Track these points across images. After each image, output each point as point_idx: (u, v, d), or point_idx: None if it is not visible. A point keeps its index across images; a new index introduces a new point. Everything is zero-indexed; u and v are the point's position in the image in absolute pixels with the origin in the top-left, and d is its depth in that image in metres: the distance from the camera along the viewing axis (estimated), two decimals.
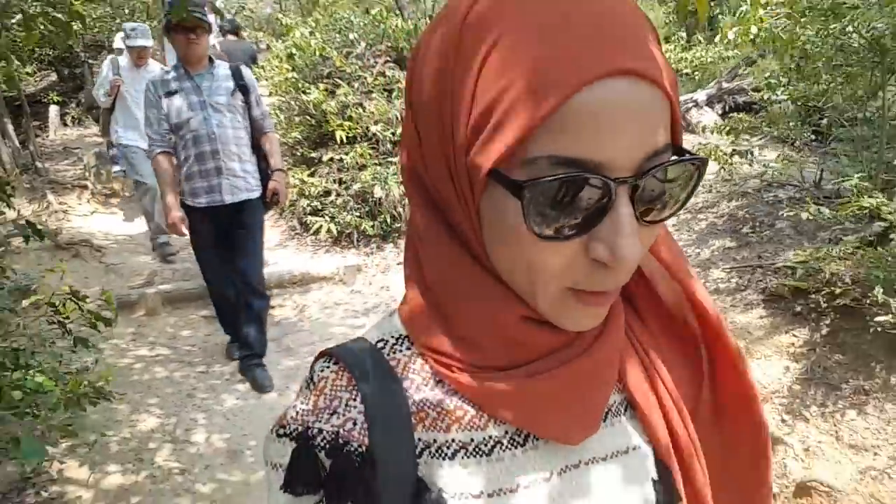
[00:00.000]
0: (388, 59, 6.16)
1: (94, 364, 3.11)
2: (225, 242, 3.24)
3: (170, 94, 3.01)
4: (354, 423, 0.48)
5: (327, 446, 0.47)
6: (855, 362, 2.57)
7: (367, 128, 5.52)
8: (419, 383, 0.51)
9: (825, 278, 2.71)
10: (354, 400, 0.49)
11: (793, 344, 2.78)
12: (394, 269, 5.01)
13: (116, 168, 6.14)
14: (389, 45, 6.29)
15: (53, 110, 8.59)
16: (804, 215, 2.84)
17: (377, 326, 0.56)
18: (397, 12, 6.91)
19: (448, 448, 0.49)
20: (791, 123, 4.03)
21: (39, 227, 2.13)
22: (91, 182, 6.71)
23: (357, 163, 5.45)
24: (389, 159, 5.50)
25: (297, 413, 0.49)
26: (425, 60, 0.46)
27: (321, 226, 5.29)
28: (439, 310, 0.50)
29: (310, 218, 5.42)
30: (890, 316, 2.28)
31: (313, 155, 5.75)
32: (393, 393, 0.49)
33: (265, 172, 3.24)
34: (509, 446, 0.50)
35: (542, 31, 0.40)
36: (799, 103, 3.73)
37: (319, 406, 0.49)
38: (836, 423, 2.42)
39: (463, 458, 0.49)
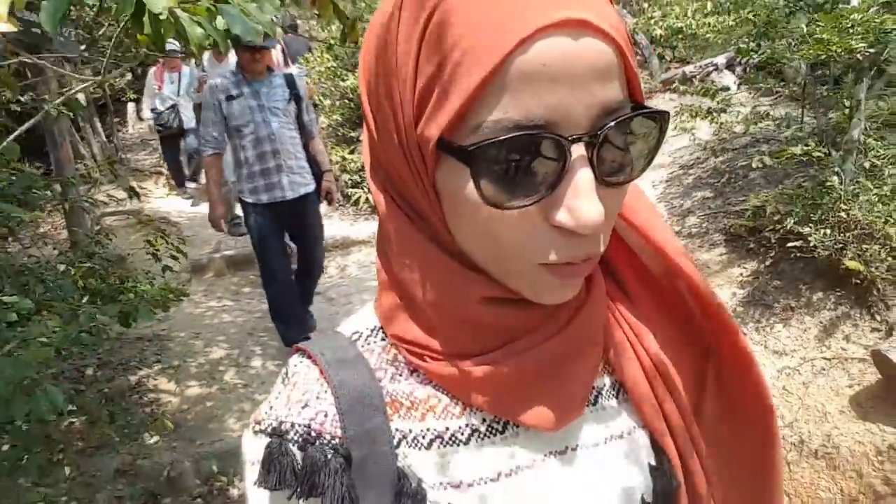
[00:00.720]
0: None
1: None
2: (282, 234, 3.45)
3: (230, 98, 3.18)
4: (326, 415, 0.47)
5: (300, 439, 0.46)
6: (788, 286, 3.01)
7: None
8: (393, 373, 0.50)
9: (772, 217, 3.16)
10: (325, 392, 0.48)
11: (741, 274, 3.23)
12: None
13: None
14: None
15: (131, 107, 9.61)
16: (754, 163, 3.27)
17: (352, 319, 0.55)
18: None
19: (423, 437, 0.48)
20: (800, 81, 4.29)
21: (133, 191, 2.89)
22: (164, 167, 7.63)
23: None
24: None
25: (271, 408, 0.48)
26: (370, 45, 0.45)
27: (360, 196, 5.97)
28: (406, 300, 0.49)
29: (350, 190, 6.12)
30: (801, 241, 2.72)
31: (352, 134, 6.43)
32: (365, 384, 0.48)
33: (315, 173, 3.47)
34: (488, 434, 0.49)
35: None
36: (770, 63, 4.06)
37: (292, 400, 0.48)
38: (765, 335, 2.89)
39: (439, 447, 0.48)
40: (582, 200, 0.38)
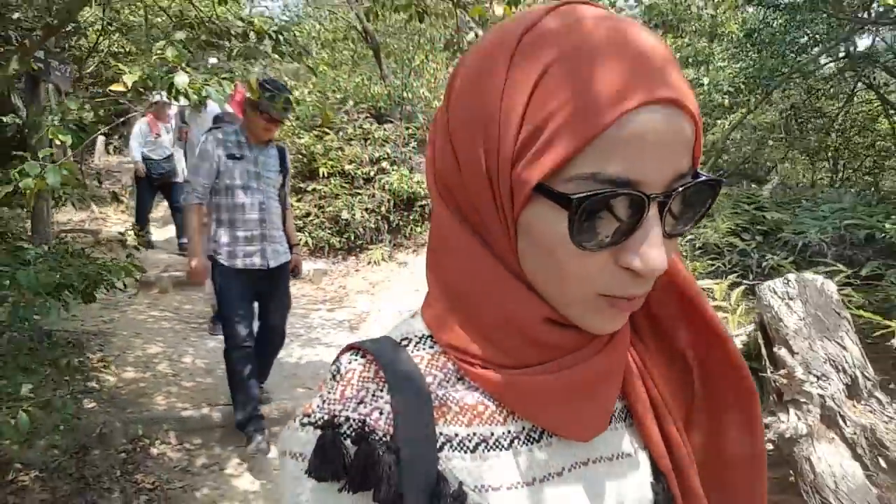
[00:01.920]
0: (369, 115, 7.74)
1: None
2: (252, 300, 3.38)
3: (232, 157, 3.15)
4: (381, 413, 0.48)
5: (353, 434, 0.48)
6: None
7: (343, 167, 7.03)
8: (441, 379, 0.52)
9: None
10: (381, 391, 0.49)
11: None
12: (352, 275, 6.41)
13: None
14: (371, 104, 7.88)
15: (100, 140, 10.25)
16: None
17: (399, 327, 0.57)
18: (378, 80, 8.52)
19: (469, 441, 0.50)
20: None
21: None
22: (126, 197, 8.23)
23: (333, 192, 6.92)
24: (358, 191, 6.96)
25: (324, 402, 0.49)
26: (472, 78, 0.48)
27: (301, 239, 6.72)
28: (463, 310, 0.52)
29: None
30: None
31: (301, 185, 7.24)
32: (417, 387, 0.50)
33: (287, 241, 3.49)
34: (526, 441, 0.52)
35: (593, 59, 0.43)
36: None
37: (347, 396, 0.49)
38: None
39: (483, 451, 0.50)
40: (653, 249, 0.44)
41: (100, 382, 3.80)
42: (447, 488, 0.48)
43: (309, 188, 7.05)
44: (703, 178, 0.47)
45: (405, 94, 8.02)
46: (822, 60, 5.91)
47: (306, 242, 6.68)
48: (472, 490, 0.49)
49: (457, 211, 0.51)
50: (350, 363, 0.51)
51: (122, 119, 5.49)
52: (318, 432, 0.48)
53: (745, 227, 4.09)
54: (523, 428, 0.52)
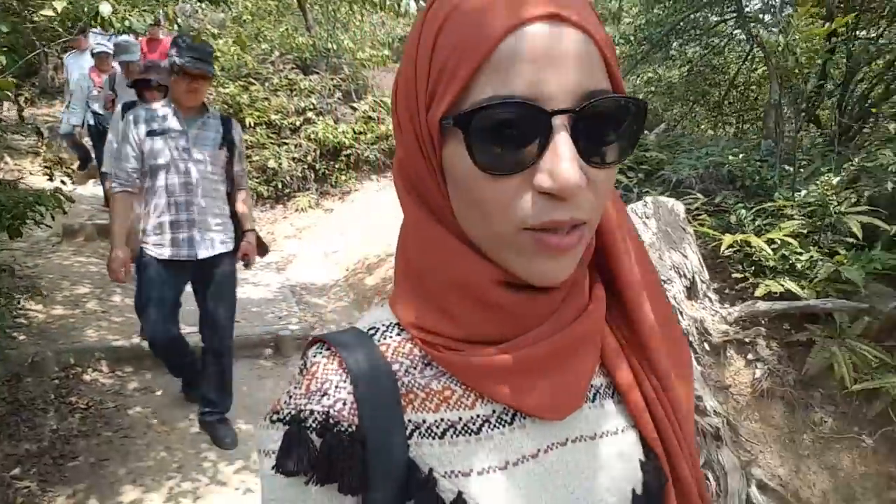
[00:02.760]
0: (294, 65, 7.79)
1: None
2: (177, 296, 2.95)
3: (152, 133, 2.72)
4: (344, 404, 0.48)
5: (318, 426, 0.48)
6: None
7: (269, 117, 7.11)
8: (408, 366, 0.52)
9: None
10: (344, 382, 0.49)
11: None
12: (280, 222, 6.60)
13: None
14: (297, 55, 7.91)
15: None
16: None
17: (368, 316, 0.57)
18: (303, 31, 8.53)
19: (437, 427, 0.50)
20: None
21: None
22: (43, 150, 8.01)
23: (260, 142, 7.01)
24: (284, 140, 7.09)
25: (290, 397, 0.50)
26: (404, 52, 0.51)
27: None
28: (421, 286, 0.52)
29: None
30: None
31: None
32: (382, 376, 0.50)
33: (236, 228, 2.99)
34: (497, 424, 0.51)
35: (476, 2, 0.44)
36: None
37: (311, 389, 0.49)
38: None
39: (452, 436, 0.50)
40: (561, 164, 0.42)
41: (28, 319, 3.93)
42: (418, 475, 0.48)
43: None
44: (613, 95, 0.45)
45: (330, 46, 8.08)
46: (714, 18, 6.39)
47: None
48: (443, 476, 0.48)
49: (409, 184, 0.52)
50: (315, 356, 0.52)
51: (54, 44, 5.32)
52: (286, 428, 0.48)
53: (630, 166, 4.57)
54: (493, 411, 0.51)
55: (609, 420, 0.56)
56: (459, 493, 0.48)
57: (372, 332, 0.54)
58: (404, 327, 0.54)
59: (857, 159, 3.41)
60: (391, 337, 0.54)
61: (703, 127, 9.52)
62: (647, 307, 0.56)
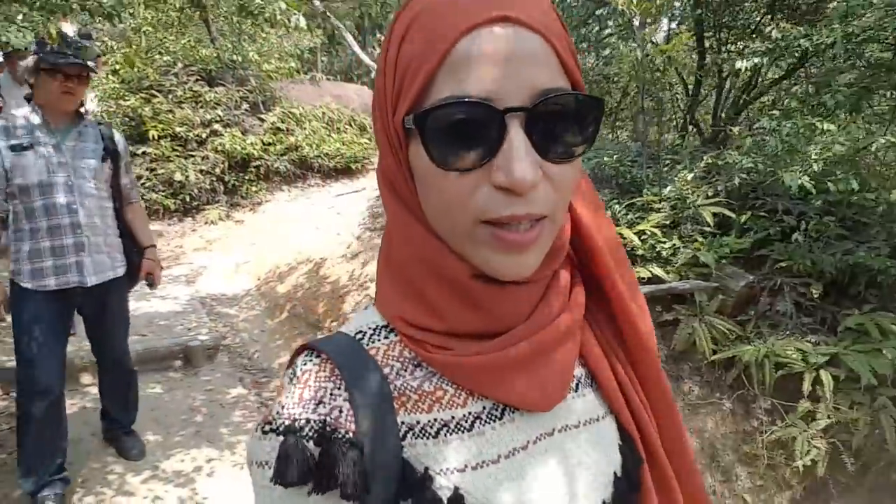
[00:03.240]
0: (199, 77, 7.69)
1: None
2: (65, 333, 2.55)
3: (19, 148, 2.31)
4: (340, 411, 0.48)
5: (315, 435, 0.47)
6: None
7: (174, 129, 7.00)
8: (398, 369, 0.52)
9: None
10: (339, 389, 0.49)
11: None
12: (189, 235, 6.52)
13: None
14: (201, 66, 7.82)
15: None
16: None
17: (354, 320, 0.57)
18: (207, 43, 8.44)
19: (431, 427, 0.50)
20: None
21: None
22: None
23: (165, 155, 6.89)
24: (191, 153, 7.00)
25: (283, 408, 0.49)
26: (376, 73, 0.52)
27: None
28: (402, 277, 0.53)
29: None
30: None
31: (131, 148, 7.09)
32: (374, 380, 0.50)
33: (129, 246, 2.66)
34: (488, 420, 0.52)
35: (436, 6, 0.47)
36: None
37: (305, 398, 0.49)
38: None
39: (445, 435, 0.51)
40: (516, 162, 0.43)
41: None
42: (413, 474, 0.49)
43: (139, 151, 6.96)
44: (567, 92, 0.46)
45: (236, 58, 8.04)
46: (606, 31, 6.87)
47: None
48: (438, 474, 0.49)
49: (387, 182, 0.53)
50: (305, 364, 0.51)
51: None
52: (281, 438, 0.47)
53: None
54: (484, 407, 0.52)
55: (590, 408, 0.58)
56: (456, 489, 0.49)
57: (359, 335, 0.54)
58: (389, 321, 0.54)
59: (707, 157, 3.85)
60: (379, 340, 0.54)
61: (603, 132, 10.12)
62: (630, 310, 0.58)
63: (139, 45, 8.08)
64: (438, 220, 0.49)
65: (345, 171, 7.74)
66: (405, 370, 0.53)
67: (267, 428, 0.49)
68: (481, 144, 0.44)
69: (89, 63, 2.38)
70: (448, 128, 0.44)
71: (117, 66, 7.65)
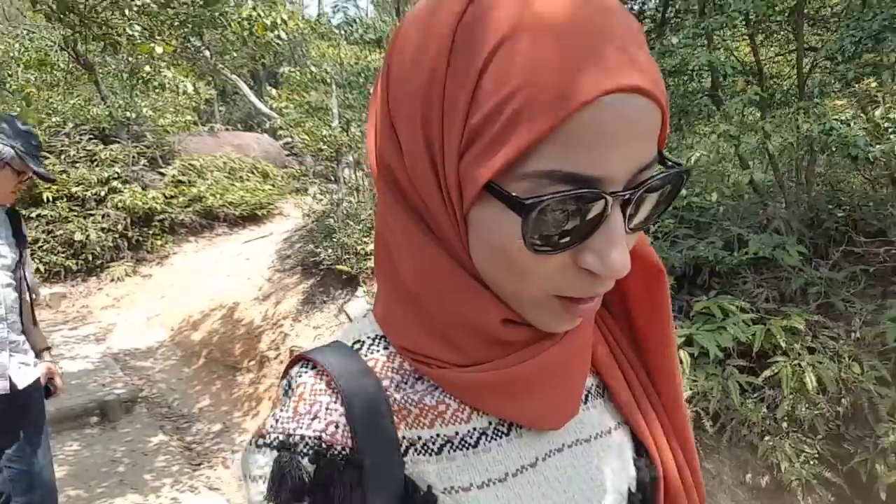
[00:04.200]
0: (92, 136, 7.61)
1: None
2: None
3: None
4: (337, 427, 0.45)
5: (310, 452, 0.44)
6: (328, 289, 4.76)
7: (70, 189, 6.87)
8: (399, 381, 0.49)
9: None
10: (335, 402, 0.46)
11: (307, 286, 4.90)
12: (94, 294, 6.39)
13: None
14: (93, 125, 7.73)
15: None
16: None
17: (351, 328, 0.53)
18: (98, 101, 8.35)
19: (433, 443, 0.47)
20: None
21: None
22: None
23: (62, 216, 6.74)
24: (90, 212, 6.89)
25: (277, 421, 0.46)
26: (408, 60, 0.42)
27: (38, 280, 6.45)
28: (418, 311, 0.48)
29: None
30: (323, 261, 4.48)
31: (24, 212, 6.89)
32: (373, 394, 0.47)
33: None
34: (494, 436, 0.49)
35: (548, 38, 0.37)
36: None
37: (300, 412, 0.46)
38: (309, 318, 4.52)
39: (449, 451, 0.48)
40: (614, 250, 0.40)
41: None
42: (416, 493, 0.46)
43: (34, 214, 6.77)
44: (666, 172, 0.42)
45: (129, 114, 8.00)
46: None
47: (38, 269, 6.44)
48: (442, 492, 0.47)
49: (402, 198, 0.46)
50: (300, 376, 0.48)
51: None
52: (275, 454, 0.45)
53: None
54: (490, 423, 0.49)
55: (601, 420, 0.55)
56: None
57: (357, 346, 0.51)
58: (396, 350, 0.50)
59: None
60: (378, 351, 0.50)
61: None
62: (654, 320, 0.55)
63: (23, 107, 7.86)
64: (500, 281, 0.44)
65: (251, 217, 7.83)
66: (405, 383, 0.49)
67: (261, 442, 0.46)
68: (577, 228, 0.40)
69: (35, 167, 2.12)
70: (553, 212, 0.39)
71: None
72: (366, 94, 5.61)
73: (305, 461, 0.45)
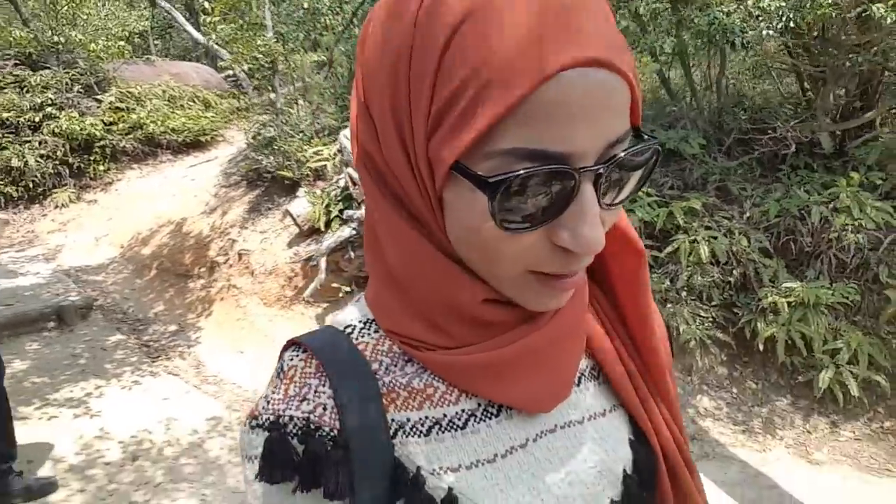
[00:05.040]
0: (18, 61, 7.33)
1: None
2: None
3: None
4: (325, 409, 0.46)
5: (299, 432, 0.46)
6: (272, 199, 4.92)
7: (1, 115, 6.69)
8: (388, 364, 0.50)
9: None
10: (323, 385, 0.47)
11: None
12: (39, 220, 6.38)
13: None
14: (17, 50, 7.44)
15: None
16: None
17: (344, 312, 0.54)
18: (19, 24, 7.97)
19: (422, 425, 0.48)
20: None
21: None
22: None
23: None
24: (26, 139, 6.74)
25: (269, 403, 0.47)
26: (378, 39, 0.42)
27: None
28: (403, 295, 0.49)
29: None
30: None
31: None
32: (362, 376, 0.48)
33: None
34: (483, 418, 0.49)
35: (507, 14, 0.36)
36: None
37: (290, 394, 0.47)
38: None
39: (437, 433, 0.48)
40: (587, 227, 0.39)
41: None
42: (405, 474, 0.47)
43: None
44: (637, 147, 0.41)
45: (58, 39, 7.70)
46: None
47: None
48: (431, 473, 0.47)
49: (382, 183, 0.46)
50: (291, 360, 0.49)
51: None
52: (266, 434, 0.46)
53: None
54: (479, 404, 0.49)
55: (595, 402, 0.55)
56: (450, 490, 0.47)
57: (349, 329, 0.52)
58: (383, 331, 0.51)
59: None
60: (369, 335, 0.51)
61: None
62: (637, 299, 0.55)
63: None
64: (477, 260, 0.44)
65: (194, 144, 7.77)
66: (395, 366, 0.50)
67: (254, 423, 0.47)
68: (548, 205, 0.39)
69: None
70: (519, 190, 0.38)
71: None
72: (300, 7, 5.60)
73: (295, 441, 0.46)
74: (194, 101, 8.41)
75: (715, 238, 3.52)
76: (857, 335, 3.13)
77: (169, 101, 8.07)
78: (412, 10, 0.40)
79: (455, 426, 0.49)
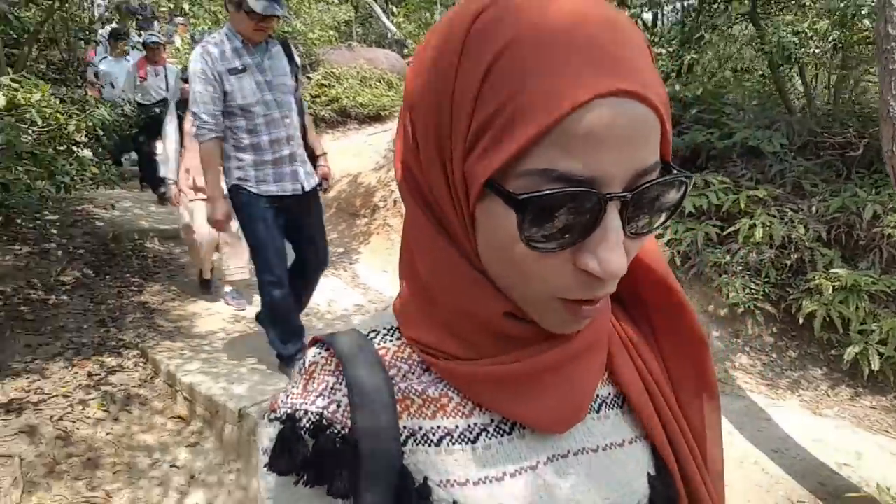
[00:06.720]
0: None
1: None
2: (284, 231, 2.84)
3: (235, 71, 2.55)
4: (338, 406, 0.48)
5: (311, 427, 0.47)
6: None
7: None
8: (406, 371, 0.50)
9: None
10: (340, 384, 0.48)
11: None
12: None
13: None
14: None
15: None
16: None
17: (372, 318, 0.55)
18: None
19: (433, 434, 0.48)
20: None
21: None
22: None
23: None
24: None
25: (287, 397, 0.49)
26: (427, 64, 0.45)
27: None
28: (429, 305, 0.50)
29: None
30: None
31: None
32: (378, 380, 0.49)
33: (309, 155, 2.90)
34: (495, 434, 0.49)
35: (546, 43, 0.39)
36: None
37: (308, 390, 0.49)
38: None
39: (448, 444, 0.48)
40: (610, 252, 0.40)
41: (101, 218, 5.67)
42: (411, 483, 0.47)
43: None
44: (667, 177, 0.42)
45: (287, 30, 9.62)
46: None
47: None
48: (438, 485, 0.47)
49: (419, 196, 0.48)
50: (313, 357, 0.51)
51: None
52: (280, 427, 0.48)
53: None
54: (492, 420, 0.50)
55: (614, 432, 0.54)
56: (454, 503, 0.47)
57: (372, 335, 0.53)
58: (406, 341, 0.52)
59: None
60: (391, 341, 0.52)
61: None
62: (671, 317, 0.55)
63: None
64: (505, 278, 0.46)
65: (376, 117, 9.35)
66: (412, 373, 0.51)
67: (272, 416, 0.49)
68: (575, 228, 0.40)
69: (278, 11, 2.60)
70: (547, 210, 0.40)
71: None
72: None
73: (306, 435, 0.47)
74: (380, 82, 10.05)
75: (772, 223, 3.95)
76: (892, 320, 3.39)
77: (361, 80, 9.77)
78: (460, 36, 0.42)
79: (466, 439, 0.49)
